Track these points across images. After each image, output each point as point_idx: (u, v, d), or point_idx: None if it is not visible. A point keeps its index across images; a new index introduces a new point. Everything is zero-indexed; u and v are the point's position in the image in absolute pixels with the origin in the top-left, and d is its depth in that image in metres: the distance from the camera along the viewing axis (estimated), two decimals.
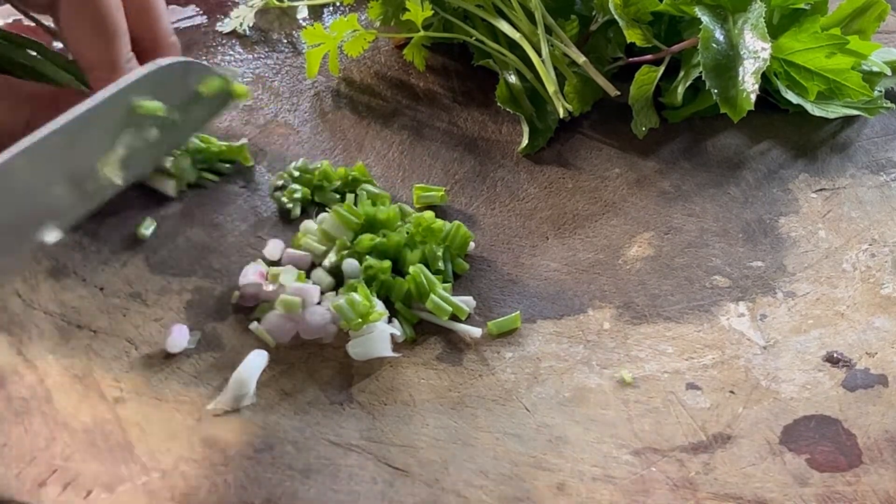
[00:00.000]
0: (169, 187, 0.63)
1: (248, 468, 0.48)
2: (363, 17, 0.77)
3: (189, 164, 0.64)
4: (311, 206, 0.64)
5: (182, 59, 0.59)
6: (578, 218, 0.64)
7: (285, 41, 0.79)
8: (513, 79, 0.71)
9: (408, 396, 0.52)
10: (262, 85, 0.74)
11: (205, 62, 0.62)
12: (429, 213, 0.60)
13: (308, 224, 0.61)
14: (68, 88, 0.63)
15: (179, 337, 0.54)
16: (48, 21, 0.67)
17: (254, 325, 0.55)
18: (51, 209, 0.54)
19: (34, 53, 0.63)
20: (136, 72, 0.56)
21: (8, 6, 0.64)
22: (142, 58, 0.61)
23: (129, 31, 0.59)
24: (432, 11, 0.71)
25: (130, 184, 0.58)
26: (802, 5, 0.68)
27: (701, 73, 0.65)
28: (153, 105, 0.56)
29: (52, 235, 0.54)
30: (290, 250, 0.60)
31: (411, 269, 0.57)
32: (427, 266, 0.57)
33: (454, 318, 0.56)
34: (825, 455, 0.50)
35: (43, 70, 0.63)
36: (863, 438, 0.51)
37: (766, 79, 0.68)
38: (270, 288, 0.56)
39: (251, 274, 0.57)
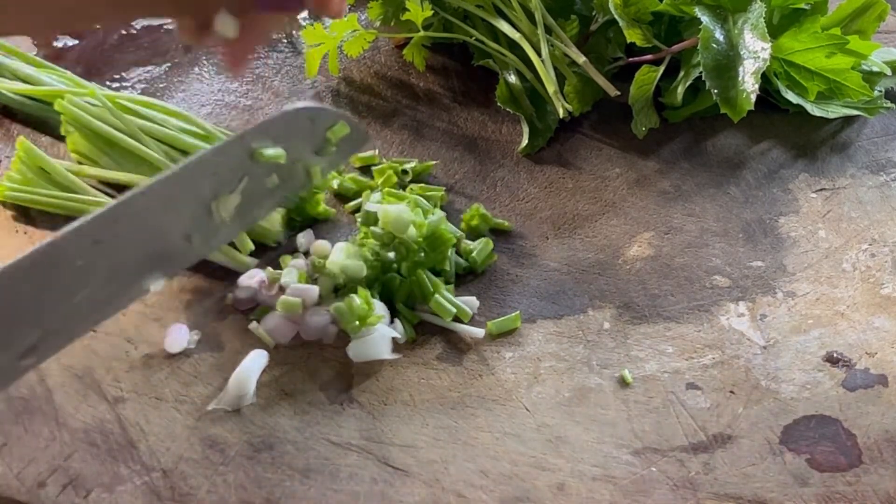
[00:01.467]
0: None
1: (248, 468, 0.48)
2: (363, 17, 0.77)
3: None
4: None
5: (312, 104, 0.54)
6: (578, 218, 0.64)
7: (285, 41, 0.79)
8: (513, 79, 0.71)
9: (408, 396, 0.52)
10: (263, 85, 0.74)
11: (332, 107, 0.56)
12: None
13: None
14: None
15: (179, 337, 0.54)
16: None
17: (254, 326, 0.55)
18: (160, 256, 0.50)
19: None
20: (264, 119, 0.53)
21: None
22: None
23: None
24: (432, 11, 0.71)
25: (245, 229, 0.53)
26: (802, 5, 0.68)
27: (701, 73, 0.65)
28: (275, 153, 0.52)
29: (157, 284, 0.50)
30: None
31: None
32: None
33: (455, 318, 0.56)
34: (825, 455, 0.50)
35: None
36: (863, 438, 0.51)
37: (766, 79, 0.68)
38: (268, 292, 0.56)
39: (251, 276, 0.57)
